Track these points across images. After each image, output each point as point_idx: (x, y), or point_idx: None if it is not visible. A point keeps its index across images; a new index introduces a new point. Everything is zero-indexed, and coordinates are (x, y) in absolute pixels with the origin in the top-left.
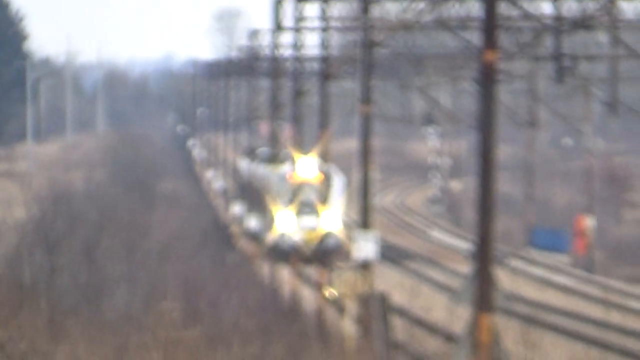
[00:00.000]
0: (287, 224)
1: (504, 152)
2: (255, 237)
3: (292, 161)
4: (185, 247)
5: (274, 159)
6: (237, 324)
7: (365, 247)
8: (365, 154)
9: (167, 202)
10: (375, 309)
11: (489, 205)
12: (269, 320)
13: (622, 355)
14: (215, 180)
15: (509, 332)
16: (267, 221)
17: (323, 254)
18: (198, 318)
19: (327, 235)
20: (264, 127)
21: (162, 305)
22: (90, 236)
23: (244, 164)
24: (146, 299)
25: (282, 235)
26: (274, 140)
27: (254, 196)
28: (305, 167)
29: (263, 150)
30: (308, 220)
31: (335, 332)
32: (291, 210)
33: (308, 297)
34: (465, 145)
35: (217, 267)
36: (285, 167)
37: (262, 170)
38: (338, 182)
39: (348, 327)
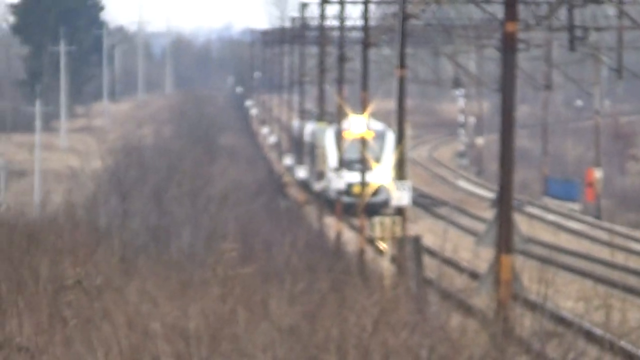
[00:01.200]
0: (340, 179)
1: (522, 112)
2: (305, 186)
3: (345, 119)
4: (242, 194)
5: (328, 118)
6: (287, 262)
7: (400, 195)
8: (400, 113)
9: (226, 154)
10: (409, 251)
11: (509, 158)
12: (315, 260)
13: (626, 291)
14: (269, 136)
15: (527, 271)
16: (321, 176)
17: (374, 207)
18: (253, 257)
19: (379, 190)
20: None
21: (222, 245)
22: (159, 184)
23: (298, 123)
24: (207, 240)
25: (336, 189)
26: (322, 101)
27: (308, 153)
28: (357, 124)
29: (317, 111)
30: (360, 175)
31: (374, 270)
32: (344, 165)
33: (351, 240)
34: (488, 105)
35: (271, 212)
36: (338, 125)
37: (316, 128)
38: (389, 138)
39: (386, 266)
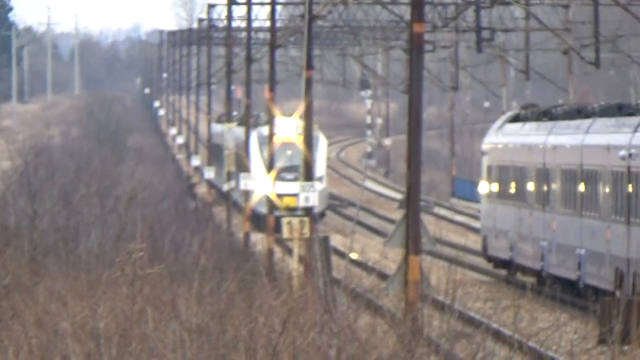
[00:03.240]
0: (266, 188)
1: (430, 113)
2: (214, 188)
3: (270, 122)
4: (151, 194)
5: (252, 121)
6: (196, 262)
7: (309, 196)
8: (308, 114)
9: (135, 155)
10: (318, 251)
11: (416, 159)
12: (224, 260)
13: (534, 292)
14: (177, 137)
15: (435, 272)
16: (229, 177)
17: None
18: (162, 257)
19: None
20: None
21: (130, 246)
22: (67, 185)
23: (217, 127)
24: (116, 240)
25: (261, 200)
26: (229, 102)
27: (216, 154)
28: (286, 127)
29: (239, 114)
30: (288, 185)
31: (283, 271)
32: (271, 173)
33: (260, 241)
34: (396, 107)
35: (179, 213)
36: (264, 128)
37: (223, 129)
38: (322, 143)
39: (294, 266)
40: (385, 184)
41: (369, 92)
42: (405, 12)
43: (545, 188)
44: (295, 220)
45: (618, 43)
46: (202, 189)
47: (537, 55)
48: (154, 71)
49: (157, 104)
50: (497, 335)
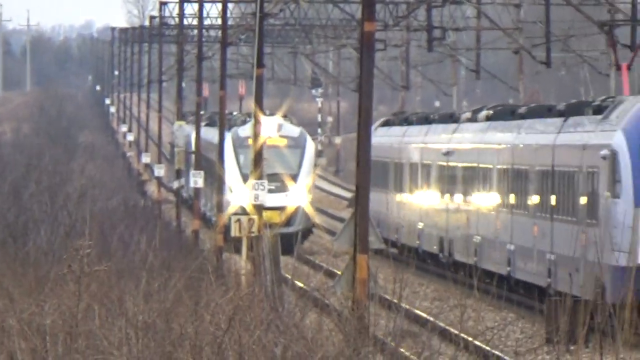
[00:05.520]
0: (243, 199)
1: (380, 112)
2: (164, 185)
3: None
4: (101, 191)
5: (228, 122)
6: (144, 260)
7: (257, 194)
8: (258, 113)
9: (85, 152)
10: (266, 249)
11: (366, 158)
12: (172, 258)
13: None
14: (128, 134)
15: (383, 271)
16: (179, 175)
17: (289, 239)
18: (110, 255)
19: (293, 216)
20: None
21: (79, 242)
22: (17, 181)
23: (183, 128)
24: (65, 237)
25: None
26: (180, 99)
27: (177, 157)
28: (267, 128)
29: (211, 113)
30: (271, 197)
31: (231, 269)
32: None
33: (209, 238)
34: (346, 105)
35: (129, 210)
36: (241, 129)
37: (175, 127)
38: (309, 147)
39: (242, 264)
40: (335, 182)
41: (320, 90)
42: (357, 10)
43: (402, 178)
44: (244, 219)
45: (569, 43)
46: (152, 187)
47: (488, 55)
48: (105, 68)
49: (108, 101)
50: (444, 334)
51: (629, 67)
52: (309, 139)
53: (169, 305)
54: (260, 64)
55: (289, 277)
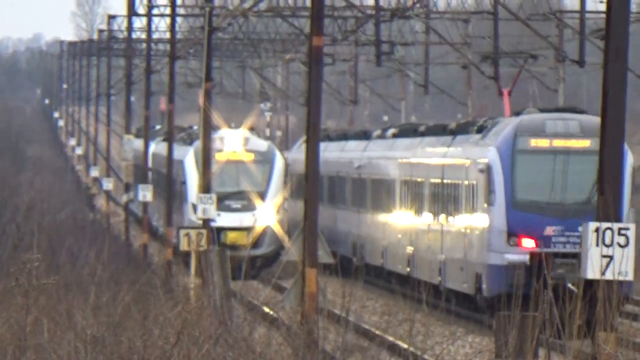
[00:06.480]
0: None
1: (328, 126)
2: (112, 198)
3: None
4: (49, 205)
5: (184, 135)
6: (92, 273)
7: (205, 209)
8: (206, 127)
9: (34, 165)
10: (214, 263)
11: (314, 172)
12: (121, 272)
13: (430, 306)
14: (76, 148)
15: (331, 285)
16: (128, 188)
17: (255, 262)
18: (58, 268)
19: (261, 237)
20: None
21: (27, 256)
22: None
23: (132, 142)
24: (13, 250)
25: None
26: (129, 113)
27: (126, 171)
28: (232, 142)
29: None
30: (234, 217)
31: (180, 283)
32: (212, 199)
33: (157, 252)
34: (295, 119)
35: (77, 223)
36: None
37: (125, 140)
38: (278, 163)
39: (191, 278)
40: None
41: (269, 104)
42: (305, 24)
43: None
44: (193, 233)
45: (517, 58)
46: (100, 200)
47: (437, 70)
48: (54, 82)
49: (56, 114)
50: (392, 349)
51: (509, 93)
52: (278, 153)
53: (117, 319)
54: (208, 78)
55: (238, 290)
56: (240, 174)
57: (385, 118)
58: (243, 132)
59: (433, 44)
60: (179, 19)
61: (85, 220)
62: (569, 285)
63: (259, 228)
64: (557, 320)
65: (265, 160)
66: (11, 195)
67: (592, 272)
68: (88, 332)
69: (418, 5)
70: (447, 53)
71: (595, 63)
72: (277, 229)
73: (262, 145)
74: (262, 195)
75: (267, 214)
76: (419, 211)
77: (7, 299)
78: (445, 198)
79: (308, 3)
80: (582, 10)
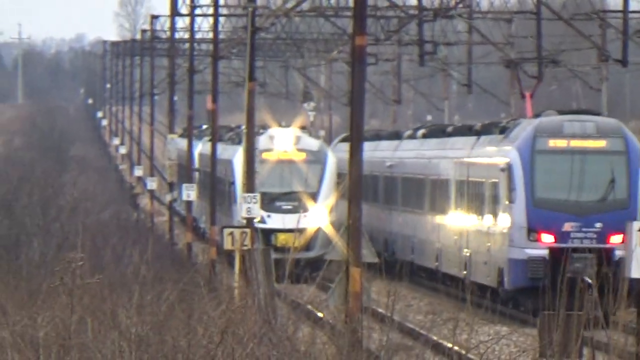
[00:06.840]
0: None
1: (372, 126)
2: (156, 198)
3: (263, 135)
4: (93, 204)
5: (233, 135)
6: (136, 273)
7: (249, 208)
8: (249, 127)
9: (77, 165)
10: (259, 262)
11: (358, 172)
12: (165, 271)
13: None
14: (120, 147)
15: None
16: (172, 187)
17: (307, 266)
18: (102, 267)
19: (312, 240)
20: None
21: (71, 255)
22: (9, 194)
23: (175, 142)
24: (57, 249)
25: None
26: (172, 113)
27: (169, 170)
28: (283, 141)
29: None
30: (284, 218)
31: (224, 282)
32: (256, 199)
33: (201, 252)
34: (338, 119)
35: (121, 222)
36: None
37: (168, 139)
38: (330, 162)
39: (235, 277)
40: None
41: (312, 104)
42: (348, 24)
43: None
44: (237, 232)
45: (560, 57)
46: (144, 200)
47: (480, 69)
48: (97, 81)
49: (100, 114)
50: (437, 348)
51: (531, 96)
52: (330, 153)
53: (161, 318)
54: (251, 78)
55: (282, 290)
56: (291, 174)
57: (429, 117)
58: (294, 130)
59: (476, 44)
60: (221, 19)
61: (128, 219)
62: (586, 279)
63: (310, 230)
64: (602, 319)
65: (317, 160)
66: (55, 195)
67: (637, 271)
68: (132, 332)
69: (461, 5)
70: (490, 52)
71: (638, 62)
72: (330, 231)
73: (314, 144)
74: (314, 197)
75: (319, 216)
76: (446, 209)
77: (51, 298)
78: (470, 197)
79: (351, 3)
80: (625, 10)
